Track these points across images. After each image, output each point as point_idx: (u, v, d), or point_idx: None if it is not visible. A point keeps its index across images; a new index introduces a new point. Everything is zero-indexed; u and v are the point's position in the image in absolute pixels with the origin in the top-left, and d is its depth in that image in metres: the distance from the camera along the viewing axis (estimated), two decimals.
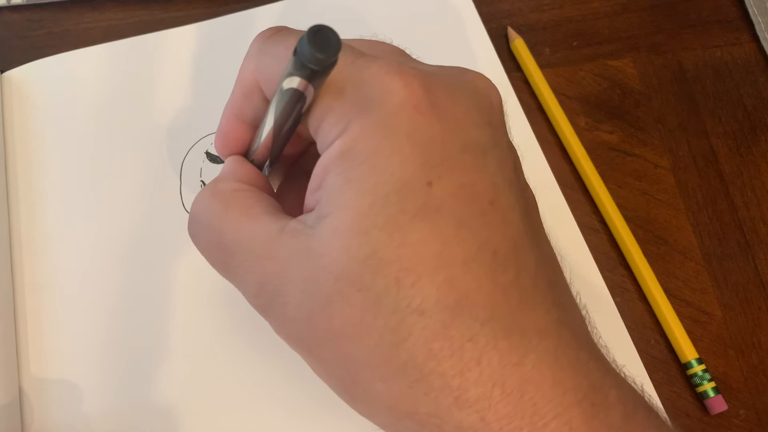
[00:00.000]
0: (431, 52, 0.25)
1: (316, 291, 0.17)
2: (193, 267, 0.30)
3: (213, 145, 0.33)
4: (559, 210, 0.32)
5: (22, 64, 0.34)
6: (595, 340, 0.20)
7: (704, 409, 0.30)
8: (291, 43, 0.19)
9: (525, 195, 0.20)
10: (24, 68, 0.34)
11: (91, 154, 0.32)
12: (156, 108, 0.33)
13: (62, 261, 0.30)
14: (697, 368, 0.30)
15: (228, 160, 0.22)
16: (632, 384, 0.19)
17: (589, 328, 0.20)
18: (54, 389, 0.28)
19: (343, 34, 0.16)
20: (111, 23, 0.36)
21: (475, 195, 0.17)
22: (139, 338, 0.29)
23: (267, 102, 0.20)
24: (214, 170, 0.32)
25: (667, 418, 0.20)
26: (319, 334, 0.18)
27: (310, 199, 0.19)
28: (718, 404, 0.29)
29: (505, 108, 0.21)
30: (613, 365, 0.19)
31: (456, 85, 0.19)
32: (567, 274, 0.21)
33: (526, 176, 0.21)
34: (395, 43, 0.21)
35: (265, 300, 0.19)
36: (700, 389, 0.30)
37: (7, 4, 0.36)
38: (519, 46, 0.36)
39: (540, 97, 0.35)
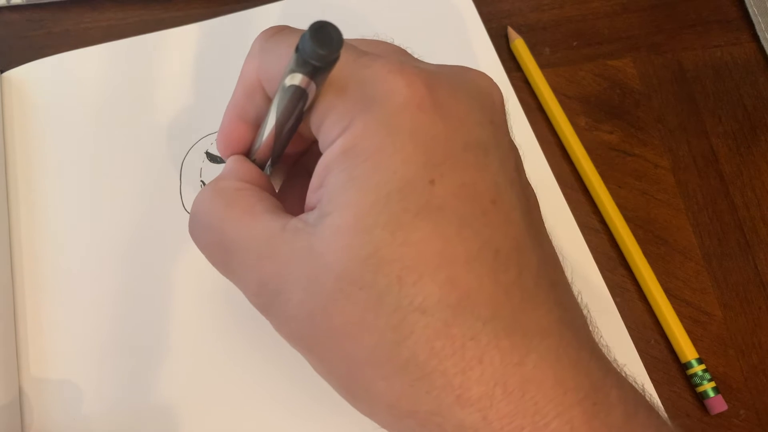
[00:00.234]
0: (431, 52, 0.25)
1: (318, 289, 0.17)
2: (193, 267, 0.30)
3: (213, 144, 0.33)
4: (559, 210, 0.32)
5: (22, 64, 0.34)
6: (597, 340, 0.20)
7: (704, 409, 0.30)
8: (293, 42, 0.19)
9: (527, 194, 0.20)
10: (24, 68, 0.34)
11: (91, 154, 0.32)
12: (156, 108, 0.33)
13: (62, 261, 0.30)
14: (697, 368, 0.30)
15: (229, 160, 0.22)
16: (633, 383, 0.19)
17: (590, 328, 0.20)
18: (54, 389, 0.28)
19: (344, 33, 0.16)
20: (111, 23, 0.36)
21: (477, 194, 0.17)
22: (139, 338, 0.29)
23: (269, 101, 0.20)
24: (214, 170, 0.32)
25: (668, 418, 0.20)
26: (320, 333, 0.18)
27: (311, 197, 0.19)
28: (718, 404, 0.29)
29: (506, 107, 0.21)
30: (614, 365, 0.19)
31: (458, 83, 0.19)
32: (568, 274, 0.21)
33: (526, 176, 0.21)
34: (396, 43, 0.21)
35: (266, 299, 0.19)
36: (700, 389, 0.30)
37: (7, 4, 0.36)
38: (519, 46, 0.36)
39: (540, 97, 0.35)
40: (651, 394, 0.25)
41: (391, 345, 0.17)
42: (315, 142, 0.20)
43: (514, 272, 0.17)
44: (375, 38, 0.21)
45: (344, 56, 0.18)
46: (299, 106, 0.19)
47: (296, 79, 0.17)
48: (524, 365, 0.17)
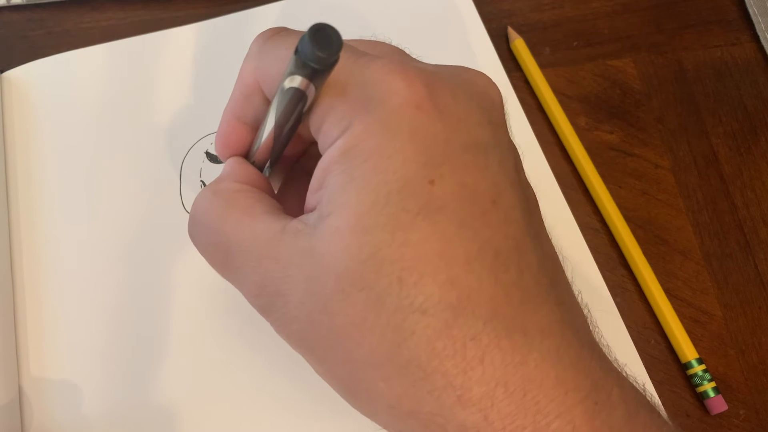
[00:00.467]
0: (431, 52, 0.25)
1: (318, 290, 0.17)
2: (193, 267, 0.30)
3: (213, 145, 0.33)
4: (559, 210, 0.32)
5: (22, 64, 0.34)
6: (597, 339, 0.20)
7: (704, 409, 0.30)
8: (291, 44, 0.19)
9: (526, 194, 0.20)
10: (24, 68, 0.34)
11: (91, 154, 0.32)
12: (156, 108, 0.33)
13: (62, 261, 0.30)
14: (697, 368, 0.30)
15: (228, 162, 0.22)
16: (634, 383, 0.19)
17: (591, 327, 0.20)
18: (54, 389, 0.28)
19: (343, 34, 0.16)
20: (111, 23, 0.36)
21: (477, 194, 0.17)
22: (140, 338, 0.29)
23: (267, 103, 0.20)
24: (214, 170, 0.32)
25: (668, 418, 0.20)
26: (321, 334, 0.18)
27: (311, 199, 0.19)
28: (718, 404, 0.29)
29: (505, 107, 0.21)
30: (615, 364, 0.19)
31: (457, 83, 0.19)
32: (568, 274, 0.21)
33: (526, 176, 0.21)
34: (395, 43, 0.21)
35: (266, 300, 0.19)
36: (700, 389, 0.30)
37: (7, 4, 0.36)
38: (519, 46, 0.36)
39: (540, 97, 0.35)
40: (651, 394, 0.25)
41: (392, 345, 0.17)
42: (314, 143, 0.20)
43: (514, 272, 0.17)
44: (373, 39, 0.21)
45: (343, 57, 0.18)
46: (298, 108, 0.19)
47: (295, 81, 0.17)
48: (525, 365, 0.17)
